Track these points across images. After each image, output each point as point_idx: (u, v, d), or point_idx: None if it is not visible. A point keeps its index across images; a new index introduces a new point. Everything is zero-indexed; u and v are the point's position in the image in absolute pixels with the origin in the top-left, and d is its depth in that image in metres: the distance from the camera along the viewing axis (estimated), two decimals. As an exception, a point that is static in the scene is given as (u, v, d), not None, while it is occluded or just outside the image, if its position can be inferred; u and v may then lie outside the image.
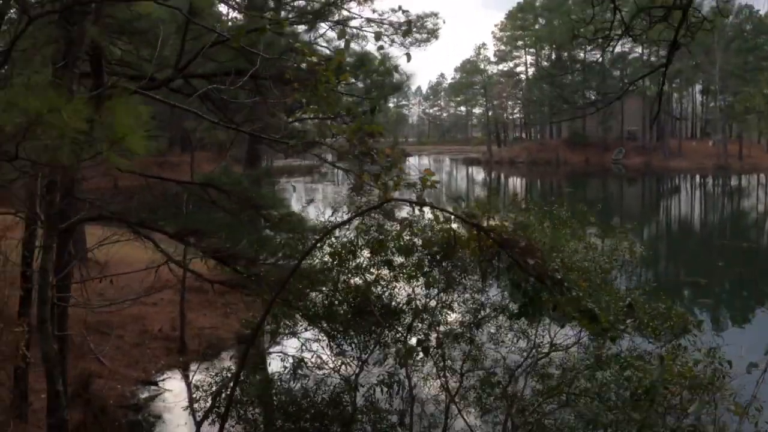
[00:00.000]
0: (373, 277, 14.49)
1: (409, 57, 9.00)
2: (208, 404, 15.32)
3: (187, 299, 27.78)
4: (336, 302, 14.42)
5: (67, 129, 4.40)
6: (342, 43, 25.55)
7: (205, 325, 28.91)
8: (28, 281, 19.11)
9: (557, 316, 10.61)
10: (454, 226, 13.01)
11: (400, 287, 14.64)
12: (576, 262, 12.42)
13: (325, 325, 14.71)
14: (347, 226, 14.82)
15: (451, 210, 9.73)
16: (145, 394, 23.30)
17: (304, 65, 18.87)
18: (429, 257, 13.20)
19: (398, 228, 13.92)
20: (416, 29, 26.78)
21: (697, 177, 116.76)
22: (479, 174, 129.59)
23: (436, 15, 27.49)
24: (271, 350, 16.63)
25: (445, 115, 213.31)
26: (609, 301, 11.64)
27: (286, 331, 15.40)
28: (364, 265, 14.48)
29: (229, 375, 15.60)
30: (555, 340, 14.60)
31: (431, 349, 13.31)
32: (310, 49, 9.38)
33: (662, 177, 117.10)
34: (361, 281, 14.55)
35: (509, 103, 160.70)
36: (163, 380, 24.42)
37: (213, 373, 16.66)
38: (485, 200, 13.16)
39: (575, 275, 10.93)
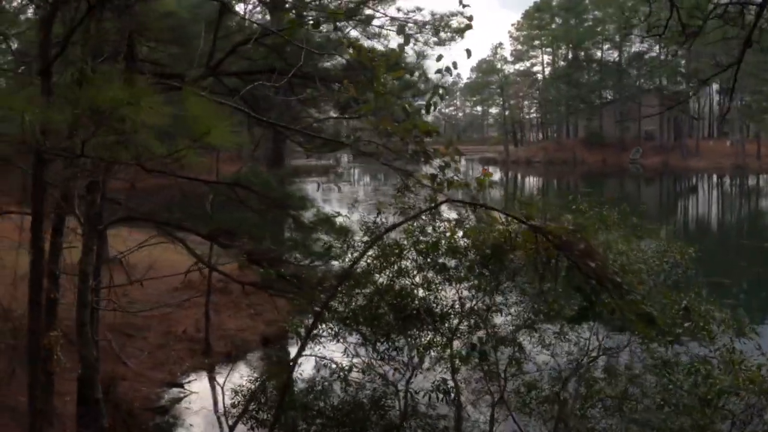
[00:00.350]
0: (419, 279, 14.18)
1: (469, 53, 8.66)
2: (234, 406, 15.12)
3: (212, 300, 27.56)
4: (378, 305, 14.10)
5: (139, 124, 4.13)
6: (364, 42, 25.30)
7: (230, 327, 28.62)
8: (54, 283, 18.89)
9: (614, 320, 10.28)
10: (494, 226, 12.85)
11: (446, 290, 14.32)
12: (629, 264, 12.10)
13: (364, 329, 14.39)
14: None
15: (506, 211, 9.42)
16: (171, 397, 23.07)
17: (337, 59, 18.81)
18: (480, 259, 12.85)
19: (448, 229, 13.59)
20: (441, 28, 26.46)
21: (715, 177, 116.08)
22: (496, 174, 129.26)
23: (462, 14, 27.15)
24: (303, 354, 16.26)
25: (461, 114, 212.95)
26: (666, 304, 11.34)
27: (327, 335, 15.04)
28: (409, 267, 14.18)
29: (262, 378, 15.28)
30: (603, 344, 14.29)
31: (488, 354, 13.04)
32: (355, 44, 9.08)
33: (680, 177, 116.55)
34: (407, 283, 14.25)
35: (525, 102, 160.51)
36: (189, 382, 24.19)
37: (251, 377, 16.42)
38: (542, 202, 12.81)
39: (630, 278, 10.59)
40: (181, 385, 23.90)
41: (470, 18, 8.44)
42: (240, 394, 15.20)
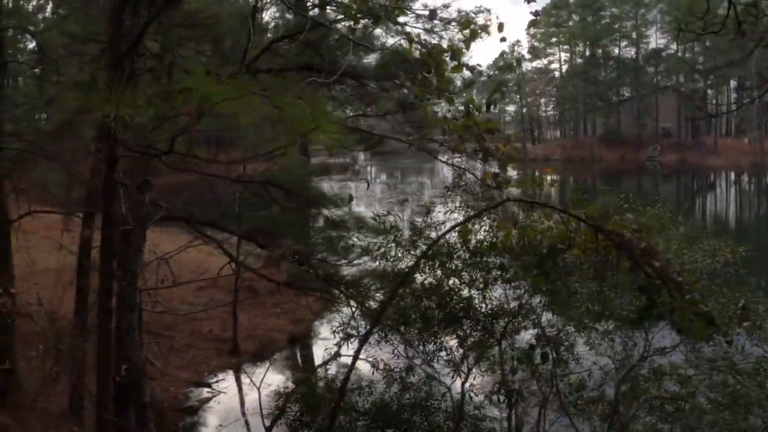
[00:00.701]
0: (467, 279, 13.96)
1: (534, 54, 8.55)
2: (279, 409, 14.92)
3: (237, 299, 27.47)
4: (428, 305, 13.90)
5: (243, 120, 3.95)
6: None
7: (256, 326, 28.48)
8: (85, 281, 18.79)
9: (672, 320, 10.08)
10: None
11: (494, 290, 14.09)
12: (682, 264, 11.93)
13: (407, 329, 14.19)
14: (439, 225, 14.45)
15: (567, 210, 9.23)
16: (200, 397, 22.94)
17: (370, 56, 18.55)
18: (537, 259, 12.58)
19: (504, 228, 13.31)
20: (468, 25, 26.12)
21: (733, 174, 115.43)
22: (513, 172, 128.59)
23: (489, 11, 26.99)
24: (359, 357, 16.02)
25: (477, 112, 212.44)
26: (724, 303, 11.15)
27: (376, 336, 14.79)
28: (459, 266, 13.95)
29: (306, 379, 15.07)
30: (654, 344, 14.11)
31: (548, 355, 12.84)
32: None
33: (698, 174, 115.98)
34: (455, 283, 14.04)
35: (543, 100, 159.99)
36: (217, 382, 24.09)
37: (291, 378, 16.28)
38: (602, 202, 12.63)
39: (687, 277, 10.38)
40: (209, 385, 23.80)
41: (536, 13, 8.22)
42: (284, 396, 15.03)
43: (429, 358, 14.28)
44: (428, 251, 12.30)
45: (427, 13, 16.68)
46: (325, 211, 19.17)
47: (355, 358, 10.26)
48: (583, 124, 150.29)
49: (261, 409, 15.55)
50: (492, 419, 14.34)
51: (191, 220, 17.38)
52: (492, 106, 8.70)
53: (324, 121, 3.92)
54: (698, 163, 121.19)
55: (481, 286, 13.78)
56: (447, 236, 13.30)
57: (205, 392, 23.26)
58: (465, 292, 13.94)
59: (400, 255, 14.62)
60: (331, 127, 3.94)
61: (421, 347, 14.35)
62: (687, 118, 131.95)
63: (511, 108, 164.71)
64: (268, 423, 15.34)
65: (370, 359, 14.56)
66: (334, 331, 15.15)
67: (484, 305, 13.89)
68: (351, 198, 18.93)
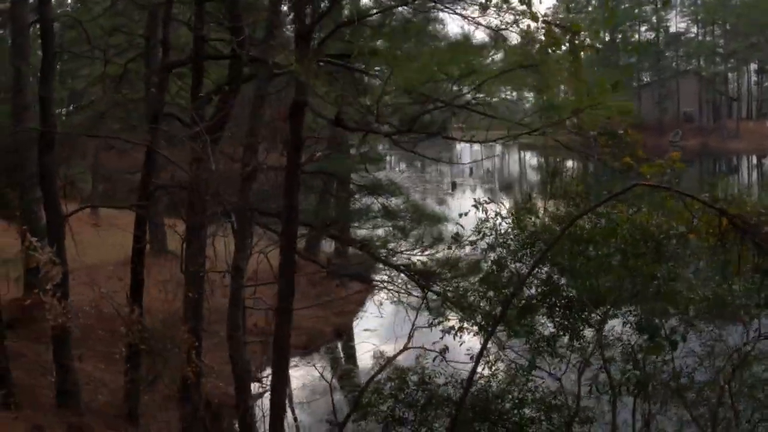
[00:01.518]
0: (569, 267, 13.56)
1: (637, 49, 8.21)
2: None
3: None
4: (533, 298, 13.55)
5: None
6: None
7: (300, 318, 28.10)
8: (139, 274, 18.63)
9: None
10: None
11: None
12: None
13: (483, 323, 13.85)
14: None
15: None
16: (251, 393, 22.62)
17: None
18: (654, 245, 12.15)
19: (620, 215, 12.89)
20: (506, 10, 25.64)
21: (754, 158, 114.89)
22: (532, 159, 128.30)
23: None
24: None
25: (495, 99, 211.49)
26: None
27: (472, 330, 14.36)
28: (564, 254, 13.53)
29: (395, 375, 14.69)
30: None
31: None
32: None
33: (720, 158, 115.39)
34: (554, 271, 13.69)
35: (562, 86, 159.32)
36: (267, 377, 23.73)
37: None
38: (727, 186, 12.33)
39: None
40: (260, 380, 23.41)
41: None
42: (370, 392, 14.69)
43: (532, 348, 13.87)
44: (552, 245, 11.87)
45: None
46: (382, 200, 18.90)
47: (480, 355, 9.97)
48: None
49: (333, 406, 15.26)
50: (587, 409, 13.98)
51: (257, 211, 17.12)
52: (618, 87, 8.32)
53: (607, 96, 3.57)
54: (720, 147, 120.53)
55: (583, 274, 13.38)
56: (546, 222, 12.98)
57: (256, 387, 22.91)
58: (562, 281, 13.63)
59: (493, 243, 14.26)
60: (613, 104, 3.60)
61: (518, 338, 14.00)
62: (708, 101, 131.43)
63: (530, 94, 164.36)
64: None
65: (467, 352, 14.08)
66: (430, 325, 14.77)
67: (584, 294, 13.51)
68: (454, 185, 18.69)
